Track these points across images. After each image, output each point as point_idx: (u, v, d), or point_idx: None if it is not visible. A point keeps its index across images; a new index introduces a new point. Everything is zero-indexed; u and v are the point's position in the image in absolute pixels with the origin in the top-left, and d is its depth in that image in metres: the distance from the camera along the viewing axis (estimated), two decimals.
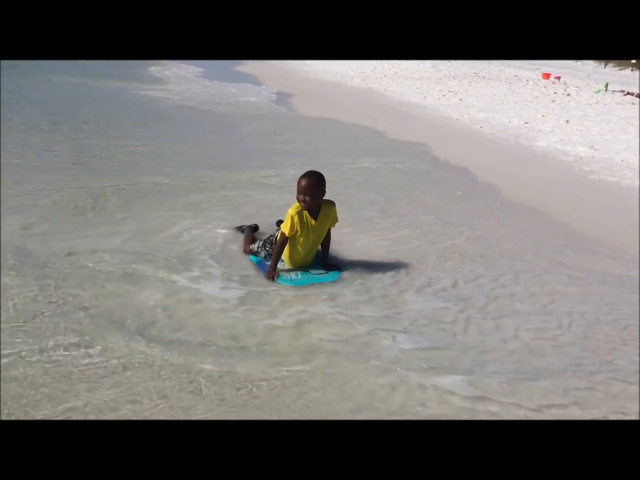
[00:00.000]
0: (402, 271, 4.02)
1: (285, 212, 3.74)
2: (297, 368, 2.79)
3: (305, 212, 3.71)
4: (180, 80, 15.17)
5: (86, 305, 3.19)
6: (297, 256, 3.88)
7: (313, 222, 3.74)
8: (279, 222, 4.47)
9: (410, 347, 3.06)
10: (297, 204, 3.69)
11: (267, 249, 4.02)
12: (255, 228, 4.50)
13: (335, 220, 3.87)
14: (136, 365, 2.69)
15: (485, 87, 16.46)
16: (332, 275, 3.86)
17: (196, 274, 3.73)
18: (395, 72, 19.61)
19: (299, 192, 3.63)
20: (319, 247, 3.96)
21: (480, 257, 4.38)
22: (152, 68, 17.88)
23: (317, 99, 13.56)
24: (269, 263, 3.85)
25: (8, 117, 8.22)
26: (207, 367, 2.74)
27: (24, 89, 11.09)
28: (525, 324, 3.39)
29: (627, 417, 2.64)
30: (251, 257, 4.06)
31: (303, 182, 3.62)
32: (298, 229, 3.71)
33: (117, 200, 5.10)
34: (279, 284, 3.69)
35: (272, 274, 3.75)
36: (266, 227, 4.47)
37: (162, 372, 2.66)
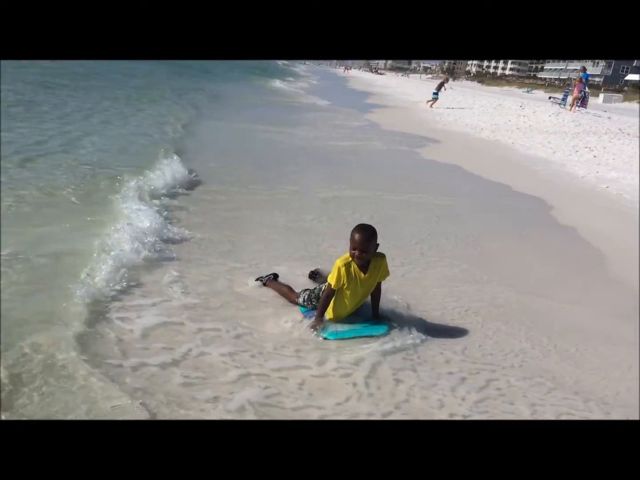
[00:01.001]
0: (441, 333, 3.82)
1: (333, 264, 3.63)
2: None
3: (354, 264, 3.57)
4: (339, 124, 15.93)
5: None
6: (342, 310, 3.72)
7: (362, 275, 3.59)
8: (312, 275, 4.47)
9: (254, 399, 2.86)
10: (346, 255, 3.59)
11: (314, 303, 3.83)
12: (276, 276, 4.31)
13: (386, 273, 3.73)
14: None
15: (628, 144, 15.16)
16: (380, 328, 3.68)
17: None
18: (529, 125, 18.86)
19: (353, 247, 3.50)
20: (367, 299, 3.81)
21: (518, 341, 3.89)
22: (312, 114, 18.93)
23: (443, 147, 13.58)
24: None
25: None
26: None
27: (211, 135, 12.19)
28: None
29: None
30: (301, 307, 3.94)
31: (357, 237, 3.48)
32: (345, 282, 3.57)
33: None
34: (322, 337, 3.57)
35: (317, 325, 3.63)
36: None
37: None
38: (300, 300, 3.94)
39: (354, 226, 3.59)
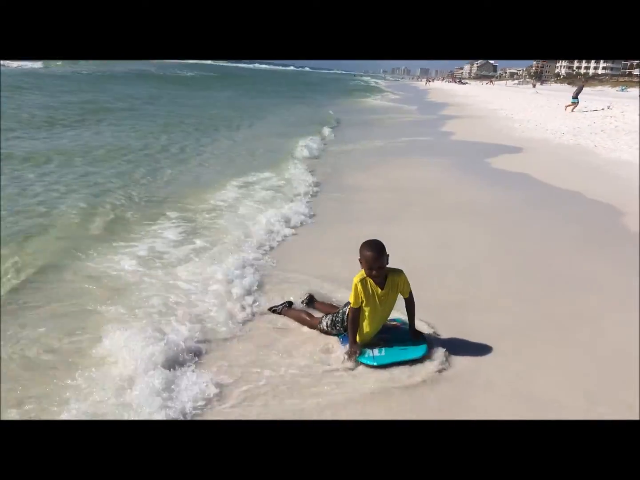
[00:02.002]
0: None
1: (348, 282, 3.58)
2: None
3: (370, 280, 3.49)
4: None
5: None
6: (364, 330, 3.60)
7: (379, 290, 3.51)
8: (307, 300, 4.34)
9: None
10: (361, 272, 3.52)
11: (338, 328, 3.76)
12: (290, 304, 4.23)
13: (408, 288, 3.63)
14: None
15: None
16: (418, 349, 3.58)
17: None
18: (615, 126, 17.75)
19: (369, 267, 3.43)
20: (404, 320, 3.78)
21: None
22: (382, 129, 18.95)
23: (517, 155, 13.15)
24: None
25: None
26: None
27: None
28: None
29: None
30: (338, 335, 3.82)
31: (370, 255, 3.41)
32: (363, 298, 3.49)
33: None
34: (361, 362, 3.50)
35: (354, 351, 3.54)
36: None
37: None
38: (323, 326, 3.85)
39: (362, 243, 3.51)
